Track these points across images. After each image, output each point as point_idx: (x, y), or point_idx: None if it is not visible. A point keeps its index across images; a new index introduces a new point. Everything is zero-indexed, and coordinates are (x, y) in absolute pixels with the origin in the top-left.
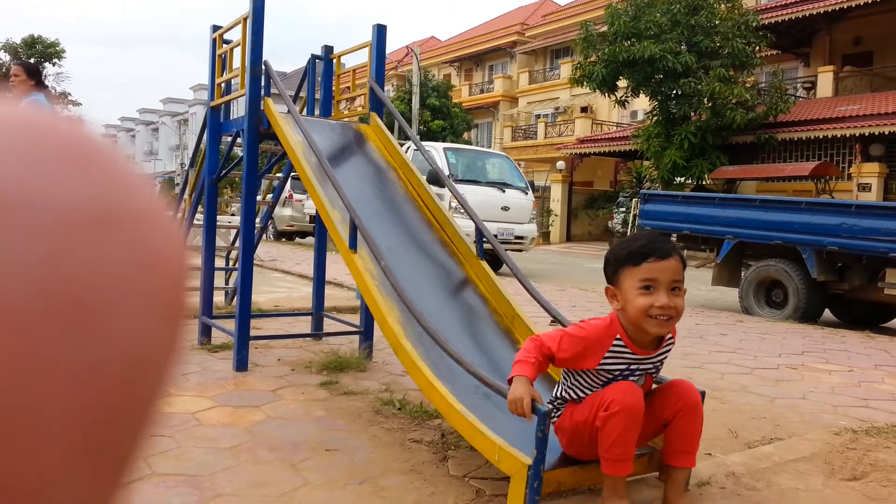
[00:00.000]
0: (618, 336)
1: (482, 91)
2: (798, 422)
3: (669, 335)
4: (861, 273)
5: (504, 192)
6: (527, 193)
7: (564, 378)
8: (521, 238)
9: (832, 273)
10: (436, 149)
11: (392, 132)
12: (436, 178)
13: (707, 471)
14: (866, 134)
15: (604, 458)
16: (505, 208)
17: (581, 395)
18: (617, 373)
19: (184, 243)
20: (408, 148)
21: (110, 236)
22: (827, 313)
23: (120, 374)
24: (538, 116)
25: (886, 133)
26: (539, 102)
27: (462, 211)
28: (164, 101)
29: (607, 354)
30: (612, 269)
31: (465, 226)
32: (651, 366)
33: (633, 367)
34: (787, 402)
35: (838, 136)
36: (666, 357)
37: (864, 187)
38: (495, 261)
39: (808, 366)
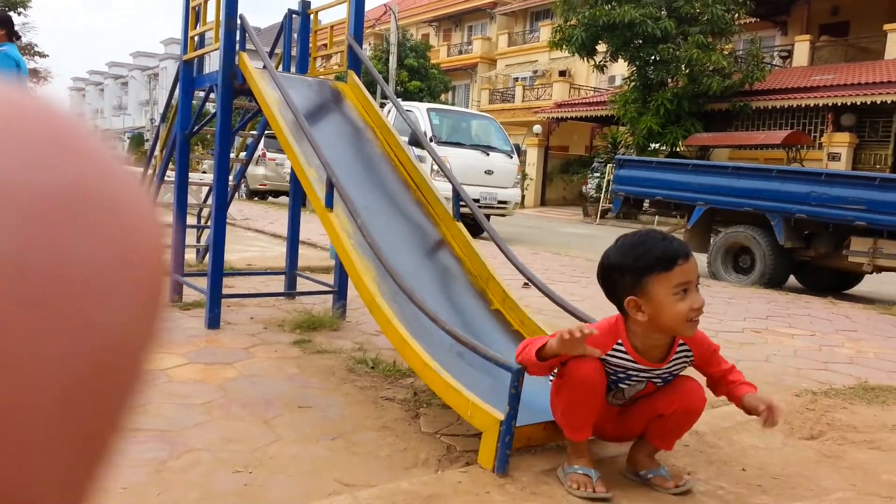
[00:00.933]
0: (619, 342)
1: (461, 52)
2: (761, 383)
3: (681, 343)
4: (827, 240)
5: (488, 155)
6: (511, 157)
7: None
8: (504, 203)
9: (799, 240)
10: (419, 109)
11: (371, 93)
12: (417, 140)
13: None
14: (839, 104)
15: (560, 424)
16: (488, 172)
17: None
18: (611, 374)
19: (162, 231)
20: (390, 109)
21: (86, 224)
22: (792, 279)
23: (96, 365)
24: (516, 79)
25: (858, 103)
26: (518, 65)
27: (443, 174)
28: (135, 55)
29: (605, 357)
30: (634, 279)
31: (446, 188)
32: (659, 378)
33: (631, 374)
34: (751, 364)
35: (811, 105)
36: (681, 369)
37: (834, 157)
38: (476, 225)
39: (773, 330)
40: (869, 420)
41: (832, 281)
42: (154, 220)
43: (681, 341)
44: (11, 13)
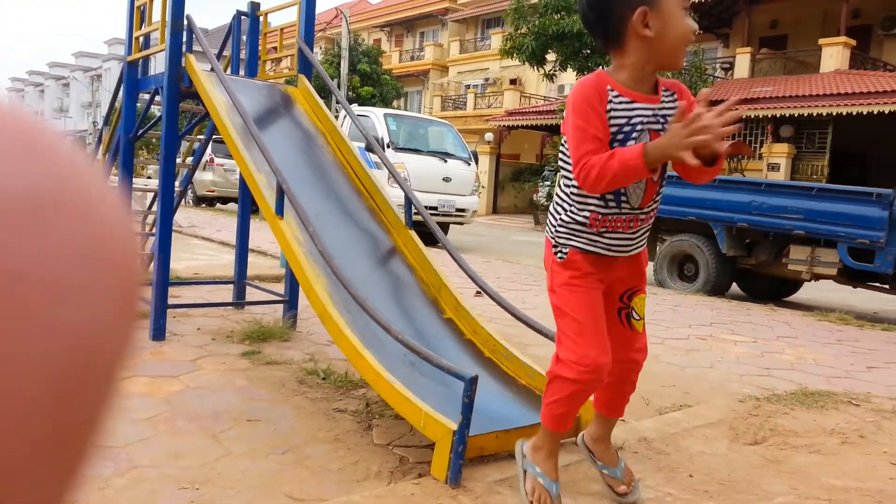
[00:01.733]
0: (609, 87)
1: (413, 58)
2: (705, 389)
3: (665, 88)
4: (768, 249)
5: (446, 162)
6: (469, 164)
7: (561, 186)
8: (463, 210)
9: (741, 248)
10: (376, 115)
11: (323, 97)
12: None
13: (621, 436)
14: (777, 115)
15: (546, 409)
16: (446, 179)
17: (581, 208)
18: (616, 130)
19: (135, 233)
20: (345, 114)
21: (55, 226)
22: (734, 287)
23: (69, 365)
24: (468, 87)
25: (796, 115)
26: (469, 72)
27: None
28: (77, 55)
29: (609, 112)
30: None
31: (400, 196)
32: (654, 118)
33: (634, 121)
34: (696, 370)
35: (752, 116)
36: (671, 111)
37: (774, 167)
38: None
39: (716, 336)
40: (809, 425)
41: (773, 288)
42: (125, 221)
43: (664, 87)
44: None
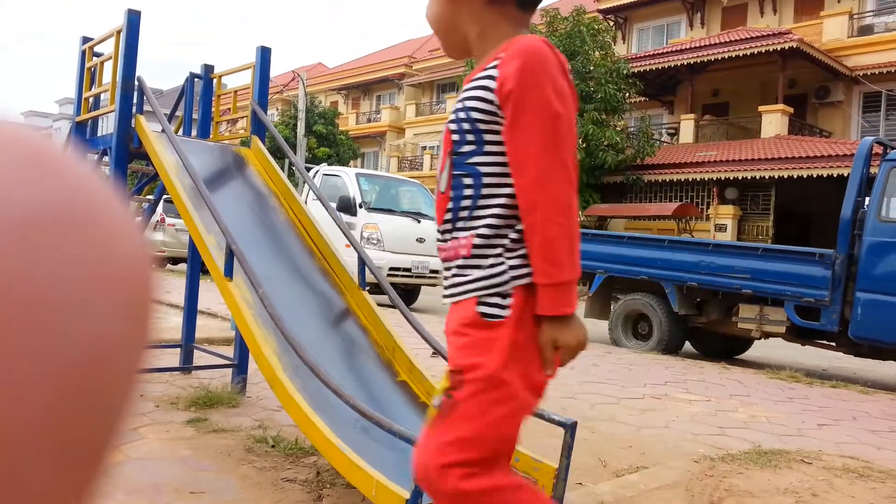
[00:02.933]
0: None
1: (369, 120)
2: (662, 450)
3: (491, 65)
4: (718, 307)
5: (419, 222)
6: None
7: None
8: (436, 272)
9: (692, 307)
10: (347, 174)
11: (278, 159)
12: (347, 206)
13: (578, 500)
14: (722, 178)
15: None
16: (420, 240)
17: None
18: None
19: (147, 246)
20: (316, 173)
21: (69, 240)
22: (687, 345)
23: (81, 379)
24: (424, 148)
25: (739, 178)
26: (426, 134)
27: (374, 241)
28: (27, 115)
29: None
30: None
31: (379, 257)
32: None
33: None
34: (652, 431)
35: (698, 179)
36: (472, 102)
37: (721, 227)
38: (410, 293)
39: (671, 395)
40: (763, 484)
41: (725, 346)
42: (135, 236)
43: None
44: None
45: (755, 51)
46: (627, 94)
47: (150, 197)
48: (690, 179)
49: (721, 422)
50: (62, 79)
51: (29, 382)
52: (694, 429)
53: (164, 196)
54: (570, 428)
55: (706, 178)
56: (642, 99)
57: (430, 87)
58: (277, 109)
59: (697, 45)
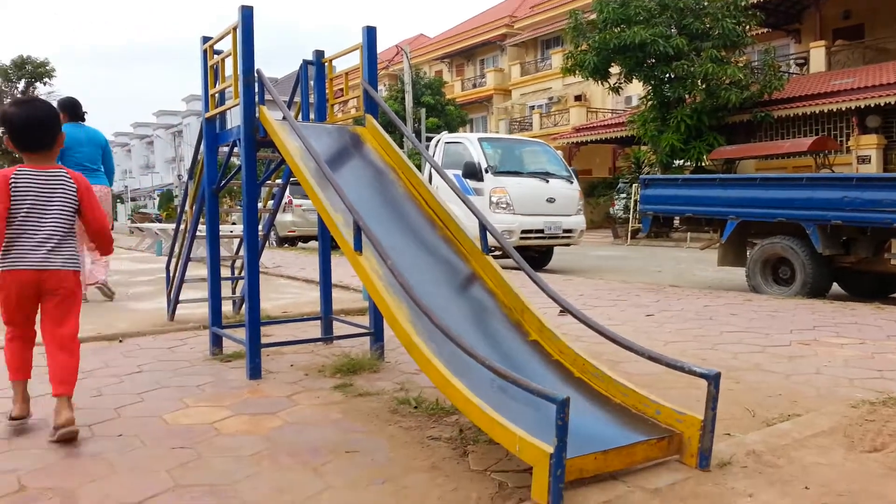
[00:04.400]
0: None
1: (475, 86)
2: (814, 397)
3: None
4: (867, 245)
5: (548, 182)
6: (572, 182)
7: None
8: (570, 231)
9: (838, 247)
10: (469, 140)
11: (390, 132)
12: (473, 172)
13: (727, 451)
14: (862, 106)
15: None
16: (550, 200)
17: None
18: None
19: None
20: (437, 142)
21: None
22: (835, 287)
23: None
24: (532, 108)
25: (882, 104)
26: (532, 93)
27: (504, 205)
28: (158, 114)
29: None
30: None
31: (508, 221)
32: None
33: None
34: (802, 377)
35: (834, 110)
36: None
37: (864, 159)
38: (542, 256)
39: (821, 340)
40: None
41: (877, 286)
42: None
43: None
44: (38, 83)
45: None
46: (748, 27)
47: (279, 181)
48: (826, 111)
49: (879, 364)
50: (187, 76)
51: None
52: (849, 373)
53: (291, 179)
54: (714, 379)
55: (843, 108)
56: (764, 30)
57: (534, 44)
58: (385, 84)
59: None
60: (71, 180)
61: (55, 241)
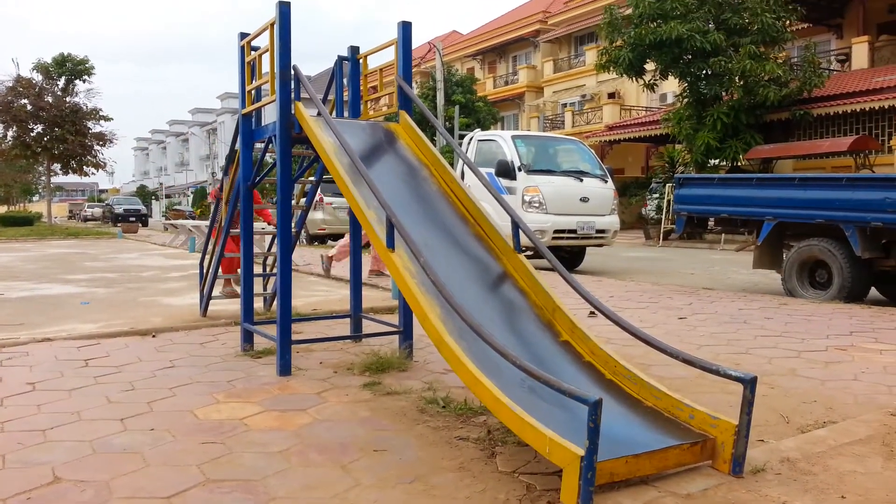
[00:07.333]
0: None
1: (507, 83)
2: (851, 404)
3: None
4: None
5: (582, 181)
6: (606, 182)
7: None
8: (603, 231)
9: (877, 249)
10: (503, 138)
11: (422, 129)
12: (506, 171)
13: (761, 457)
14: None
15: None
16: (584, 199)
17: None
18: None
19: None
20: (470, 139)
21: None
22: (874, 292)
23: None
24: (565, 105)
25: None
26: (565, 91)
27: (536, 205)
28: (193, 112)
29: None
30: None
31: (538, 220)
32: None
33: None
34: (839, 384)
35: (876, 108)
36: None
37: None
38: (575, 256)
39: (858, 346)
40: None
41: None
42: None
43: None
44: (77, 81)
45: None
46: (787, 22)
47: (312, 179)
48: (867, 109)
49: None
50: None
51: None
52: (888, 380)
53: (324, 176)
54: (750, 383)
55: (886, 106)
56: (805, 25)
57: (568, 40)
58: (417, 82)
59: None
60: None
61: None
